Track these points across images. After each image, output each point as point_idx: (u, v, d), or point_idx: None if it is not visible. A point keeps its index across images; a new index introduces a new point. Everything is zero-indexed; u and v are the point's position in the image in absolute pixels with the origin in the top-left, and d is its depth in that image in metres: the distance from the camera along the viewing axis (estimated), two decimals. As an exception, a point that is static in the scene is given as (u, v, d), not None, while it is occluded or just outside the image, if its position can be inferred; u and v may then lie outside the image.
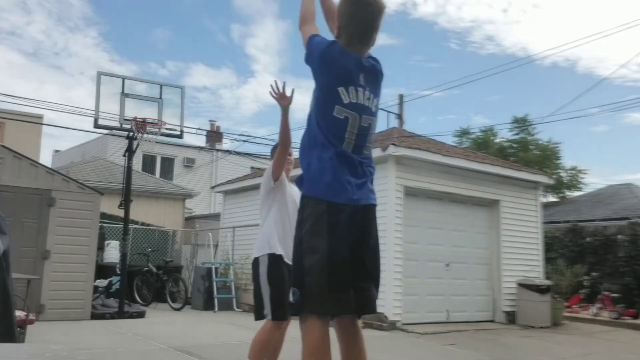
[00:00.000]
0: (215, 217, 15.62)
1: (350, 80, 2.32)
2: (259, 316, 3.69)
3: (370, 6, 2.33)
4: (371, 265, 2.32)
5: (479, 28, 42.70)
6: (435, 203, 9.71)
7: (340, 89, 2.30)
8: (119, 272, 10.06)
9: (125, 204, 9.23)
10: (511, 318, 10.02)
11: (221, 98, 49.08)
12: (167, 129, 9.36)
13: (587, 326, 10.26)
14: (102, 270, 10.31)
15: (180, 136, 9.79)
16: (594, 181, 40.87)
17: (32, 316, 4.78)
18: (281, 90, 3.33)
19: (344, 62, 2.33)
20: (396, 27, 46.23)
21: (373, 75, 2.42)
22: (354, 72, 2.34)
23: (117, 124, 9.19)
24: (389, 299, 8.52)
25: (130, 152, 9.22)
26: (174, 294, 11.28)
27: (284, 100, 3.36)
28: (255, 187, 12.34)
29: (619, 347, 8.18)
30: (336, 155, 2.28)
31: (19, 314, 4.23)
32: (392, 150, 8.78)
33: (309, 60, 2.41)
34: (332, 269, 2.15)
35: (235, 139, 53.08)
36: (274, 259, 3.61)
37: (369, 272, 2.31)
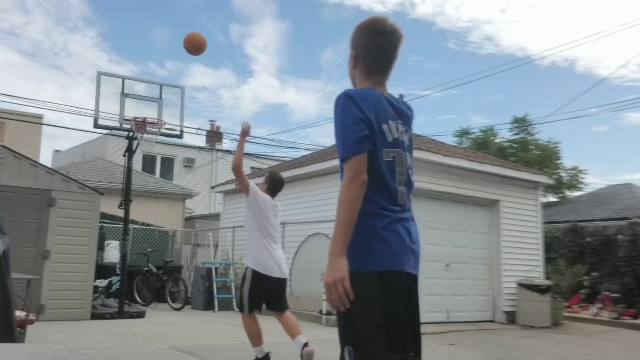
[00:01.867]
0: (215, 217, 15.62)
1: (388, 114, 2.07)
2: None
3: (390, 36, 2.14)
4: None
5: (478, 28, 42.74)
6: (435, 203, 9.71)
7: (384, 126, 2.02)
8: (119, 272, 10.05)
9: (125, 204, 9.23)
10: (511, 318, 10.02)
11: (220, 98, 49.12)
12: (167, 128, 9.36)
13: (587, 326, 10.25)
14: (102, 270, 10.30)
15: (180, 136, 9.79)
16: (594, 181, 40.95)
17: (32, 316, 4.78)
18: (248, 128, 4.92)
19: (374, 95, 2.08)
20: (396, 27, 46.15)
21: (403, 114, 2.18)
22: (385, 105, 2.09)
23: (117, 124, 9.19)
24: (389, 299, 8.51)
25: (130, 152, 9.22)
26: (174, 294, 11.27)
27: (247, 135, 4.99)
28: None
29: (619, 347, 8.18)
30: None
31: (19, 314, 4.23)
32: (392, 150, 8.77)
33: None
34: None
35: (235, 139, 52.94)
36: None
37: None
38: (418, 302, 2.11)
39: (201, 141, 27.01)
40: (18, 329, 3.57)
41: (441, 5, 45.80)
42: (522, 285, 9.94)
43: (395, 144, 2.05)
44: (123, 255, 9.42)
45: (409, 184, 2.10)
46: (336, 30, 51.59)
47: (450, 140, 21.51)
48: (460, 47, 45.01)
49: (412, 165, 2.17)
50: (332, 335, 7.08)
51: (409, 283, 2.04)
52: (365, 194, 1.94)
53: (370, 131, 1.97)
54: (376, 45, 2.15)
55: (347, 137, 1.95)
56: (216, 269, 11.30)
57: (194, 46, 4.82)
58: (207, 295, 10.90)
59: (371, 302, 1.91)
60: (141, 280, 11.55)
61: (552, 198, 19.59)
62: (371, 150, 1.96)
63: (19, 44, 43.33)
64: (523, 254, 10.51)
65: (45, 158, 31.63)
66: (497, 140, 21.80)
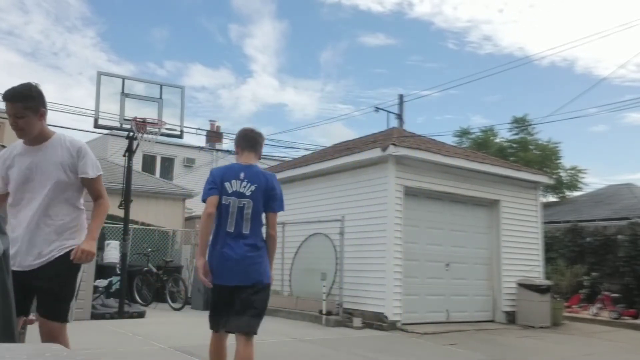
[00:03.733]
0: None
1: (234, 176, 3.56)
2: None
3: (253, 132, 3.80)
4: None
5: (476, 28, 42.77)
6: (435, 203, 9.71)
7: (227, 184, 3.53)
8: (119, 272, 10.05)
9: (125, 204, 9.23)
10: (511, 318, 10.01)
11: (220, 98, 49.15)
12: (167, 129, 9.37)
13: (587, 326, 10.25)
14: (102, 270, 10.30)
15: (180, 136, 9.79)
16: (594, 181, 40.92)
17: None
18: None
19: (225, 169, 3.65)
20: (393, 27, 46.26)
21: (254, 174, 3.58)
22: (236, 171, 3.58)
23: (117, 124, 9.19)
24: (389, 298, 8.52)
25: (130, 152, 9.22)
26: (174, 294, 11.27)
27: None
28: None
29: (619, 347, 8.18)
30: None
31: (19, 314, 4.21)
32: (392, 150, 8.77)
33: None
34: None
35: (232, 139, 52.97)
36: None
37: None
38: (244, 298, 3.68)
39: (201, 141, 27.05)
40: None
41: (439, 5, 45.85)
42: (522, 285, 9.94)
43: (233, 194, 3.51)
44: (123, 255, 9.42)
45: (240, 218, 3.50)
46: (335, 30, 51.61)
47: (450, 140, 21.52)
48: (459, 47, 45.06)
49: (254, 206, 3.52)
50: (332, 335, 7.09)
51: (228, 290, 3.68)
52: (215, 224, 3.54)
53: (217, 187, 3.53)
54: (247, 137, 3.78)
55: (204, 189, 3.58)
56: (216, 269, 11.28)
57: None
58: (207, 295, 10.88)
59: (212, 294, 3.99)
60: (141, 280, 11.55)
61: (552, 198, 19.60)
62: (220, 197, 3.50)
63: (18, 43, 43.36)
64: (523, 254, 10.51)
65: (45, 158, 31.61)
66: (497, 140, 21.80)
